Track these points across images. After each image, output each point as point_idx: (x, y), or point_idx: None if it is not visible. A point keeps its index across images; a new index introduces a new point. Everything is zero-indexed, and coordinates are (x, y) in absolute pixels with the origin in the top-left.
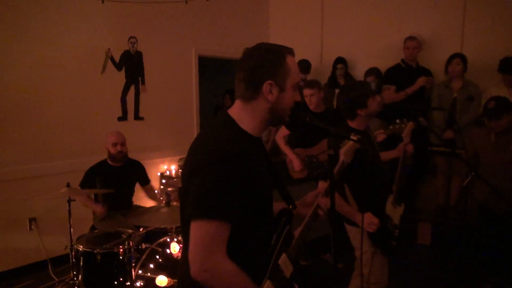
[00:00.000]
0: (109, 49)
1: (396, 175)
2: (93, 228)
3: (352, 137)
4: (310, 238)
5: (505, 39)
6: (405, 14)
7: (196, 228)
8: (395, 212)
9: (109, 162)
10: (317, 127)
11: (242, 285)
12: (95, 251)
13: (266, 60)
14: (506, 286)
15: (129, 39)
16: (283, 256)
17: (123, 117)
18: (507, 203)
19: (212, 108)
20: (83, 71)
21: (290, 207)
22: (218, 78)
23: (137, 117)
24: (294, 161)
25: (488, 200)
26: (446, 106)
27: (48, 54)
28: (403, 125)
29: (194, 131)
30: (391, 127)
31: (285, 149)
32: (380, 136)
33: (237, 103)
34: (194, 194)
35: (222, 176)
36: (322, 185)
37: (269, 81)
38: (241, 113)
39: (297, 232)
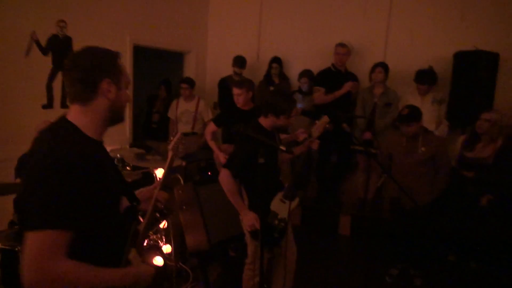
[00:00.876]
0: (34, 31)
1: (294, 171)
2: (12, 223)
3: (281, 147)
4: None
5: (421, 52)
6: (337, 22)
7: (33, 238)
8: (284, 206)
9: None
10: (251, 136)
11: (86, 275)
12: (16, 249)
13: (102, 60)
14: (410, 271)
15: (57, 22)
16: (133, 251)
17: (49, 105)
18: (413, 200)
19: (146, 98)
20: (4, 54)
21: (134, 204)
22: (152, 67)
23: (64, 105)
24: (218, 155)
25: (398, 197)
26: (368, 110)
27: None
28: (324, 124)
29: (127, 121)
30: (312, 128)
31: (211, 144)
32: (301, 135)
33: (75, 108)
34: (32, 205)
35: (60, 187)
36: (154, 185)
37: (107, 79)
38: (82, 118)
39: (141, 227)
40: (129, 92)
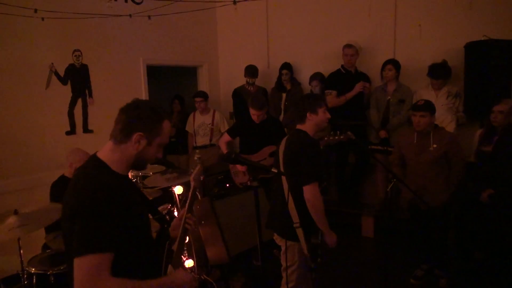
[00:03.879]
0: (52, 63)
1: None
2: (45, 247)
3: (273, 170)
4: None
5: (431, 45)
6: (343, 23)
7: (82, 263)
8: None
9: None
10: (241, 162)
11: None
12: (48, 273)
13: (147, 116)
14: (435, 271)
15: (73, 52)
16: (169, 267)
17: (72, 131)
18: (425, 203)
19: None
20: (26, 87)
21: (166, 226)
22: (167, 84)
23: (86, 130)
24: (234, 166)
25: (413, 198)
26: (382, 108)
27: None
28: (336, 137)
29: None
30: (325, 138)
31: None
32: None
33: (109, 145)
34: (78, 233)
35: (100, 214)
36: (183, 212)
37: (140, 133)
38: (111, 156)
39: (175, 247)
40: None
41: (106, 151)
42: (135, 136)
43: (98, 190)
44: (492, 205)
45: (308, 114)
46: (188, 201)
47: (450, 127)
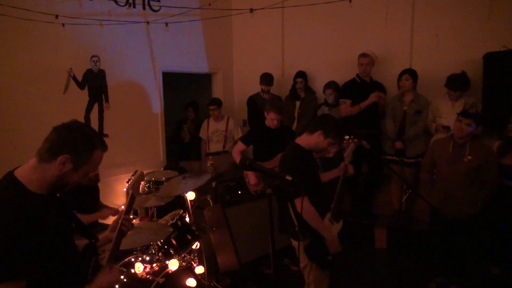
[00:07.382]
0: (71, 68)
1: (335, 194)
2: None
3: (287, 177)
4: (277, 248)
5: (449, 55)
6: (359, 32)
7: None
8: (333, 228)
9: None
10: (256, 169)
11: None
12: None
13: (78, 141)
14: (449, 285)
15: (91, 58)
16: None
17: None
18: (442, 215)
19: (176, 121)
20: (44, 92)
21: (93, 241)
22: (182, 90)
23: (101, 134)
24: (249, 175)
25: (439, 207)
26: (398, 118)
27: (5, 76)
28: (350, 141)
29: (160, 145)
30: (344, 155)
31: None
32: (332, 149)
33: (32, 162)
34: None
35: (8, 241)
36: (122, 209)
37: (67, 155)
38: (31, 174)
39: (109, 247)
40: (160, 114)
41: (27, 169)
42: (60, 158)
43: (4, 215)
44: None
45: (319, 133)
46: (127, 203)
47: None
